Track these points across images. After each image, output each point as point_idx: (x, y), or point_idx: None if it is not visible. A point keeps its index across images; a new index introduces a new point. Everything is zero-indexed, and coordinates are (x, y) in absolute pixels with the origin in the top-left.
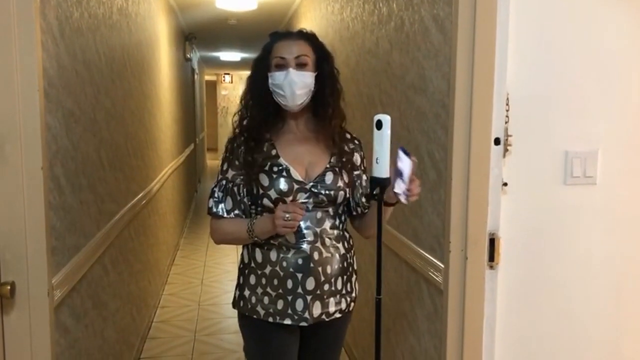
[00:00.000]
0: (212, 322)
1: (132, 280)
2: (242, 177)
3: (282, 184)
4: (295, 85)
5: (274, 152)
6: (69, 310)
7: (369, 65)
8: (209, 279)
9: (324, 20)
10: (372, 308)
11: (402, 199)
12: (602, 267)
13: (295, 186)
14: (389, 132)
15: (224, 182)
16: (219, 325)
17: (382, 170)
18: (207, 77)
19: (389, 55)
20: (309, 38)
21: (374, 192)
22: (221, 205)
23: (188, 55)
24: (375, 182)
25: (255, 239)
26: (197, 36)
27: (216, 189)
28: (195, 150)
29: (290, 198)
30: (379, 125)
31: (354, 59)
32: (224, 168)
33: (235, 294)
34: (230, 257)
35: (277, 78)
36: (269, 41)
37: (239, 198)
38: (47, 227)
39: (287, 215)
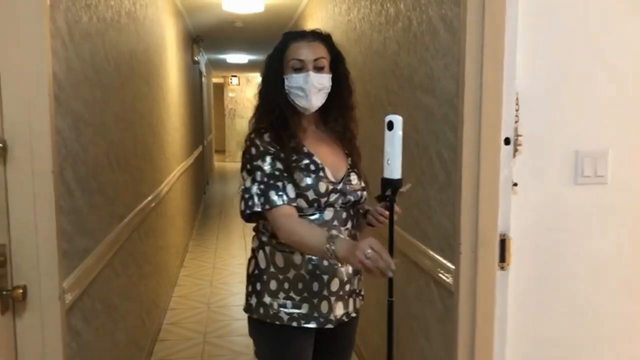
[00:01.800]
0: (222, 324)
1: (142, 282)
2: (285, 169)
3: (321, 185)
4: (315, 88)
5: (305, 149)
6: (80, 314)
7: (376, 66)
8: (217, 281)
9: (331, 21)
10: (381, 309)
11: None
12: (613, 266)
13: (330, 187)
14: (400, 132)
15: (277, 172)
16: (228, 327)
17: (393, 171)
18: (214, 80)
19: (396, 56)
20: (325, 39)
21: (386, 194)
22: (284, 196)
23: (195, 58)
24: (387, 183)
25: (333, 260)
26: (204, 39)
27: (272, 181)
28: (204, 152)
29: (325, 199)
30: (390, 126)
31: (361, 59)
32: (268, 160)
33: (249, 301)
34: (238, 259)
35: (295, 81)
36: (283, 40)
37: (291, 187)
38: (57, 231)
39: (369, 252)
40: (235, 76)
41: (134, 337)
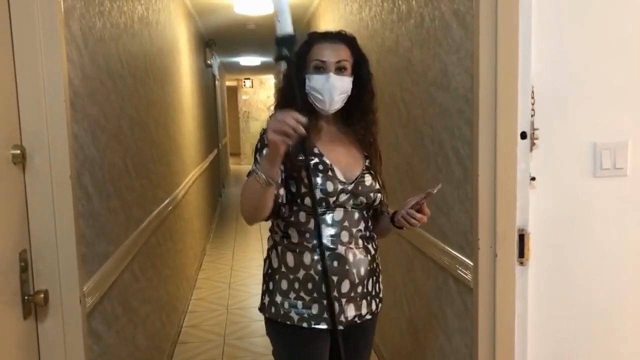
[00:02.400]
0: (241, 326)
1: (161, 285)
2: (283, 164)
3: (329, 185)
4: (335, 90)
5: (316, 150)
6: (100, 317)
7: (389, 63)
8: (236, 283)
9: (343, 20)
10: (400, 308)
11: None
12: (634, 259)
13: (339, 187)
14: None
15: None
16: (247, 328)
17: (285, 27)
18: (227, 83)
19: (409, 53)
20: (349, 41)
21: (284, 54)
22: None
23: (208, 62)
24: (281, 40)
25: (263, 180)
26: (216, 42)
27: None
28: (219, 155)
29: (334, 199)
30: None
31: (374, 57)
32: (265, 153)
33: (263, 300)
34: (256, 261)
35: (316, 81)
36: (307, 40)
37: (310, 178)
38: (77, 235)
39: (278, 116)
40: (248, 79)
41: (155, 340)
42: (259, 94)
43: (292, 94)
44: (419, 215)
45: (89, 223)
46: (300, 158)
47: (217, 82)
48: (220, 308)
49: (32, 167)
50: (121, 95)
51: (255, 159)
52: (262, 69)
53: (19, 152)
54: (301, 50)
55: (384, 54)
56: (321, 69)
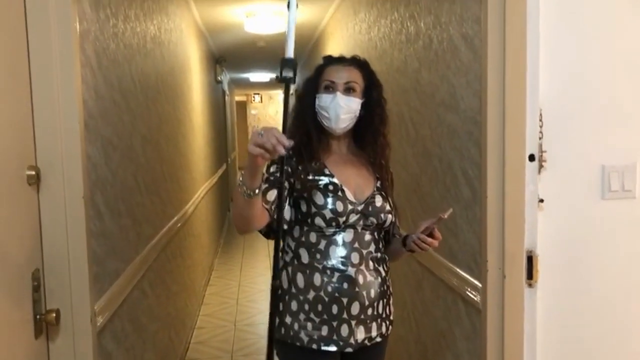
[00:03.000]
0: (249, 343)
1: (170, 302)
2: (289, 183)
3: (339, 205)
4: (340, 109)
5: (326, 170)
6: (110, 335)
7: (397, 83)
8: (244, 299)
9: (352, 40)
10: (408, 326)
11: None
12: None
13: (349, 207)
14: (295, 12)
15: (272, 178)
16: (255, 345)
17: (288, 51)
18: (237, 98)
19: (418, 74)
20: (361, 65)
21: (284, 75)
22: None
23: (219, 78)
24: (285, 63)
25: (248, 191)
26: (227, 59)
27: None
28: (228, 170)
29: (344, 219)
30: (288, 4)
31: (383, 77)
32: (272, 170)
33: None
34: (264, 277)
35: (323, 100)
36: (321, 64)
37: (276, 196)
38: (89, 255)
39: (262, 132)
40: (257, 94)
41: (163, 356)
42: (268, 109)
43: (304, 114)
44: (430, 240)
45: (101, 242)
46: (310, 178)
47: (226, 98)
48: (228, 324)
49: (46, 188)
50: (133, 114)
51: (269, 170)
52: (271, 84)
53: (33, 172)
54: (315, 72)
55: (392, 74)
56: (330, 88)
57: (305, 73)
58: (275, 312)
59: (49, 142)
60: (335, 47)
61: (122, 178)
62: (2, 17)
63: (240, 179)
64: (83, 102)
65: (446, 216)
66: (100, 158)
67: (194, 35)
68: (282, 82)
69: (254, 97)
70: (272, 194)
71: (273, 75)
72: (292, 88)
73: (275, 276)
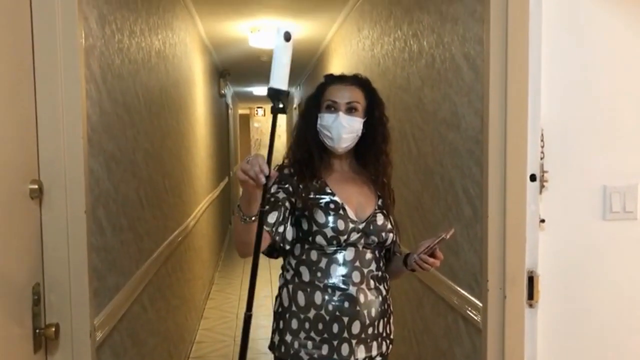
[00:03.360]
0: (248, 358)
1: (170, 316)
2: (290, 202)
3: (340, 223)
4: (343, 129)
5: (328, 189)
6: (109, 350)
7: (400, 100)
8: (243, 313)
9: (355, 56)
10: (409, 345)
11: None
12: None
13: (350, 225)
14: (291, 45)
15: (272, 199)
16: None
17: (281, 82)
18: (240, 111)
19: (420, 91)
20: (362, 84)
21: (277, 106)
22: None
23: (222, 91)
24: (273, 92)
25: (243, 216)
26: (230, 72)
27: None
28: (230, 183)
29: (345, 237)
30: (289, 37)
31: (385, 94)
32: (272, 191)
33: (273, 338)
34: (264, 291)
35: (326, 119)
36: (323, 82)
37: (283, 218)
38: (89, 269)
39: (249, 158)
40: (260, 107)
41: None
42: (271, 123)
43: (306, 133)
44: (431, 260)
45: (102, 257)
46: (311, 196)
47: (230, 111)
48: (227, 339)
49: (48, 202)
50: (137, 128)
51: (270, 191)
52: None
53: (36, 187)
54: (317, 91)
55: (395, 91)
56: (332, 108)
57: (308, 89)
58: (246, 343)
59: (52, 157)
60: (338, 62)
61: (125, 192)
62: (8, 32)
63: (238, 204)
64: (87, 117)
65: (448, 236)
66: (103, 173)
67: (198, 49)
68: (276, 112)
69: (257, 110)
70: (273, 216)
71: None
72: (295, 102)
73: (250, 307)
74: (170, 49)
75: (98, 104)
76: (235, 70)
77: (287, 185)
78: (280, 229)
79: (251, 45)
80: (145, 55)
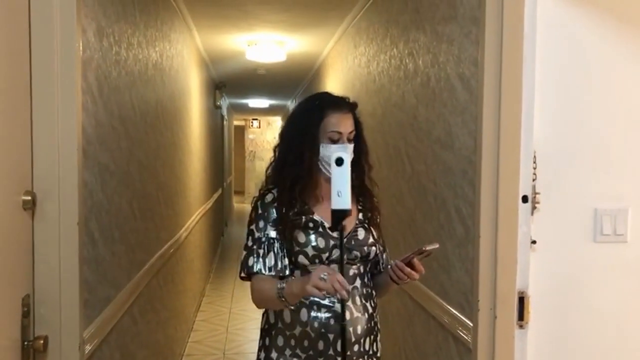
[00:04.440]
0: None
1: (159, 328)
2: (279, 233)
3: (320, 241)
4: (349, 159)
5: (306, 207)
6: None
7: (395, 118)
8: (234, 327)
9: (351, 72)
10: (396, 358)
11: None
12: (634, 326)
13: (331, 242)
14: (349, 168)
15: (264, 239)
16: None
17: (345, 202)
18: (235, 122)
19: (415, 110)
20: (353, 110)
21: (338, 225)
22: (262, 264)
23: (218, 103)
24: (338, 213)
25: (283, 300)
26: (226, 84)
27: (255, 247)
28: (223, 194)
29: (327, 255)
30: (340, 162)
31: (380, 111)
32: (260, 225)
33: (259, 356)
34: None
35: (332, 151)
36: (320, 108)
37: (281, 254)
38: (80, 282)
39: (324, 275)
40: (256, 119)
41: None
42: (266, 135)
43: (302, 160)
44: (407, 270)
45: (93, 269)
46: (291, 218)
47: (225, 122)
48: (217, 352)
49: (41, 213)
50: (132, 140)
51: (252, 231)
52: (269, 110)
53: (29, 198)
54: (314, 116)
55: (389, 109)
56: (337, 140)
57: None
58: (345, 350)
59: (46, 168)
60: (335, 78)
61: (118, 204)
62: (6, 43)
63: (285, 289)
64: (82, 128)
65: (428, 248)
66: (97, 184)
67: (195, 61)
68: (342, 231)
69: (252, 122)
70: (271, 259)
71: (272, 102)
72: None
73: (343, 318)
74: (167, 61)
75: (94, 116)
76: (231, 82)
77: (273, 218)
78: (285, 262)
79: (248, 58)
80: (142, 67)
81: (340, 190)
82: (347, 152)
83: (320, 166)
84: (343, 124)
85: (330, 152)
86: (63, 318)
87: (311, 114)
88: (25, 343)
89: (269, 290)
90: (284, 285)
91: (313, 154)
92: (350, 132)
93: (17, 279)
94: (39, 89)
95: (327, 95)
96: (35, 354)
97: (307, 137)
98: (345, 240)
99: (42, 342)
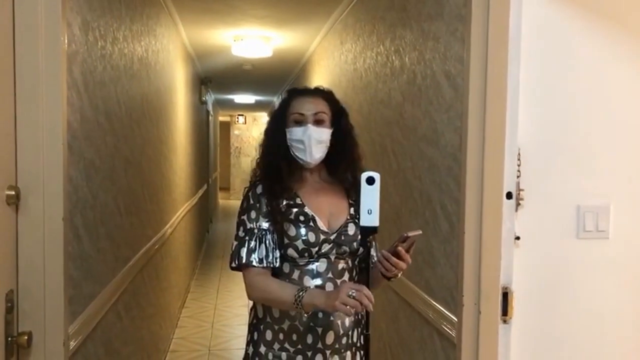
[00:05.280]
0: None
1: (144, 325)
2: (271, 224)
3: (311, 235)
4: (313, 141)
5: (298, 200)
6: (82, 359)
7: (381, 115)
8: (219, 323)
9: (337, 68)
10: (383, 357)
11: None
12: (615, 321)
13: (322, 237)
14: (379, 186)
15: (256, 230)
16: None
17: (374, 219)
18: (221, 118)
19: (401, 107)
20: (326, 95)
21: (367, 240)
22: (254, 255)
23: (203, 98)
24: (368, 230)
25: (298, 308)
26: (212, 80)
27: (247, 238)
28: (208, 190)
29: (316, 249)
30: (371, 181)
31: (367, 108)
32: (252, 216)
33: (247, 350)
34: (241, 300)
35: (295, 133)
36: (286, 97)
37: (273, 246)
38: (65, 277)
39: (353, 293)
40: (242, 115)
41: None
42: (252, 131)
43: (274, 149)
44: (394, 260)
45: (78, 264)
46: (281, 211)
47: (210, 118)
48: (202, 349)
49: (25, 208)
50: (117, 136)
51: (243, 221)
52: (255, 106)
53: (13, 193)
54: (281, 106)
55: (376, 105)
56: (300, 122)
57: None
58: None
59: (30, 163)
60: (321, 74)
61: (103, 200)
62: None
63: (300, 299)
64: (67, 124)
65: (411, 234)
66: (82, 180)
67: (181, 57)
68: (368, 249)
69: (237, 118)
70: (263, 251)
71: (258, 98)
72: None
73: (367, 328)
74: (152, 56)
75: (79, 111)
76: (217, 77)
77: (263, 210)
78: (276, 254)
79: (234, 53)
80: (127, 62)
81: (370, 209)
82: (376, 174)
83: (292, 151)
84: (306, 106)
85: (292, 134)
86: (47, 314)
87: (281, 103)
88: (9, 339)
89: (279, 291)
90: (303, 293)
91: (283, 140)
92: (317, 114)
93: (0, 274)
94: (23, 83)
95: (297, 87)
96: (19, 349)
97: (277, 126)
98: (335, 235)
99: (26, 337)
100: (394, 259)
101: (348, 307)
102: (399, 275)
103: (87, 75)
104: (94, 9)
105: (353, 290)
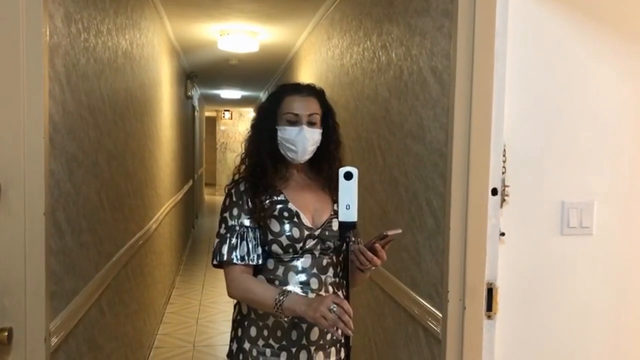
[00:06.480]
0: None
1: (128, 321)
2: (254, 221)
3: (295, 231)
4: (307, 142)
5: (282, 197)
6: (64, 356)
7: (368, 111)
8: (204, 319)
9: (324, 64)
10: (369, 353)
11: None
12: (599, 316)
13: (306, 233)
14: (357, 181)
15: (237, 227)
16: None
17: (352, 215)
18: (207, 113)
19: (387, 103)
20: (318, 95)
21: (346, 236)
22: (235, 253)
23: (189, 93)
24: (346, 226)
25: (278, 312)
26: (198, 75)
27: (228, 235)
28: (194, 186)
29: (301, 245)
30: (349, 176)
31: (353, 104)
32: (234, 213)
33: (231, 346)
34: (226, 297)
35: (288, 133)
36: (278, 93)
37: (255, 243)
38: (47, 272)
39: (334, 308)
40: (228, 110)
41: None
42: (238, 126)
43: (261, 145)
44: (369, 255)
45: (60, 260)
46: (265, 208)
47: (196, 113)
48: (187, 345)
49: (5, 203)
50: (100, 130)
51: (225, 218)
52: (242, 101)
53: None
54: (272, 101)
55: (362, 101)
56: (294, 121)
57: None
58: None
59: (11, 157)
60: (308, 69)
61: (86, 194)
62: None
63: (281, 304)
64: (49, 117)
65: (390, 233)
66: (64, 174)
67: (166, 51)
68: (348, 244)
69: (224, 113)
70: (244, 248)
71: (244, 93)
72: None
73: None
74: (137, 50)
75: (61, 104)
76: (203, 72)
77: (246, 207)
78: (259, 251)
79: (220, 48)
80: (111, 55)
81: (348, 204)
82: (354, 169)
83: (281, 150)
84: (300, 106)
85: (284, 134)
86: (28, 310)
87: (271, 99)
88: None
89: (261, 294)
90: (284, 298)
91: (273, 138)
92: (311, 115)
93: None
94: (4, 75)
95: (291, 83)
96: None
97: (266, 122)
98: (319, 231)
99: (6, 334)
100: (369, 254)
101: (327, 321)
102: (372, 269)
103: (70, 68)
104: (77, 1)
105: (334, 305)
